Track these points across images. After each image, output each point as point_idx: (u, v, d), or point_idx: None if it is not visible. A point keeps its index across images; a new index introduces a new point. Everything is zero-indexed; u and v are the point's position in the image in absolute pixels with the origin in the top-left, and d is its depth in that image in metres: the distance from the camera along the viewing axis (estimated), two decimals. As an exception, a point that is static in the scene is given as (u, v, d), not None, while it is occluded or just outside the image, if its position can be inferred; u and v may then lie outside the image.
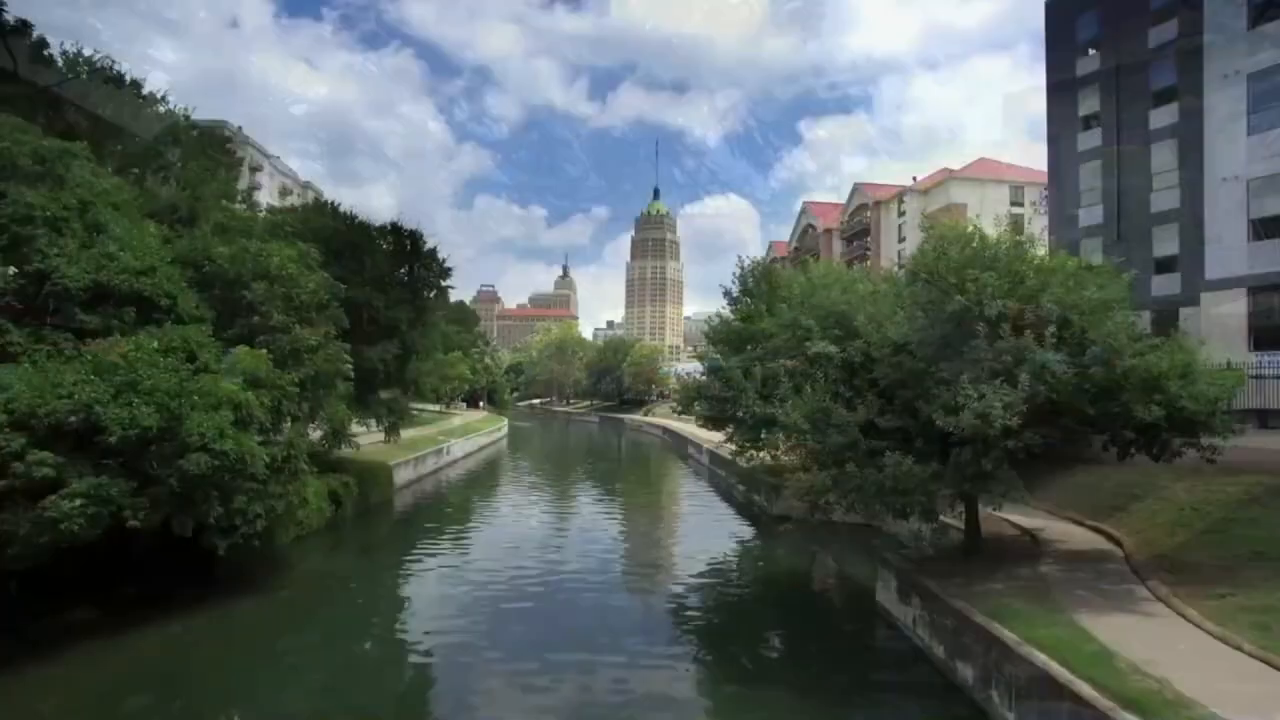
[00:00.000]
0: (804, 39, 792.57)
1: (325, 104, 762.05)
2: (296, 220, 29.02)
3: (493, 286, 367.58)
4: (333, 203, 31.76)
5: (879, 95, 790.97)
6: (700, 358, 35.25)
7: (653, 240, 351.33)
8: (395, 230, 31.76)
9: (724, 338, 33.46)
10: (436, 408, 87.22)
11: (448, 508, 37.39)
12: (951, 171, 72.36)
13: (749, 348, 32.30)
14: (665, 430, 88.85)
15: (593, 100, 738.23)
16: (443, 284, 32.65)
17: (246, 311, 20.37)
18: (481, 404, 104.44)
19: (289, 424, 20.46)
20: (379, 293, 29.58)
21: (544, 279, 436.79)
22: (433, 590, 21.83)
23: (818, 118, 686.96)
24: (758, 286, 32.70)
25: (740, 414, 31.46)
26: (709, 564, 25.76)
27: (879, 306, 16.69)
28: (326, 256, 28.23)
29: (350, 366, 21.14)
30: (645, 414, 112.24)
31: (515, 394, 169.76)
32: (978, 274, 13.91)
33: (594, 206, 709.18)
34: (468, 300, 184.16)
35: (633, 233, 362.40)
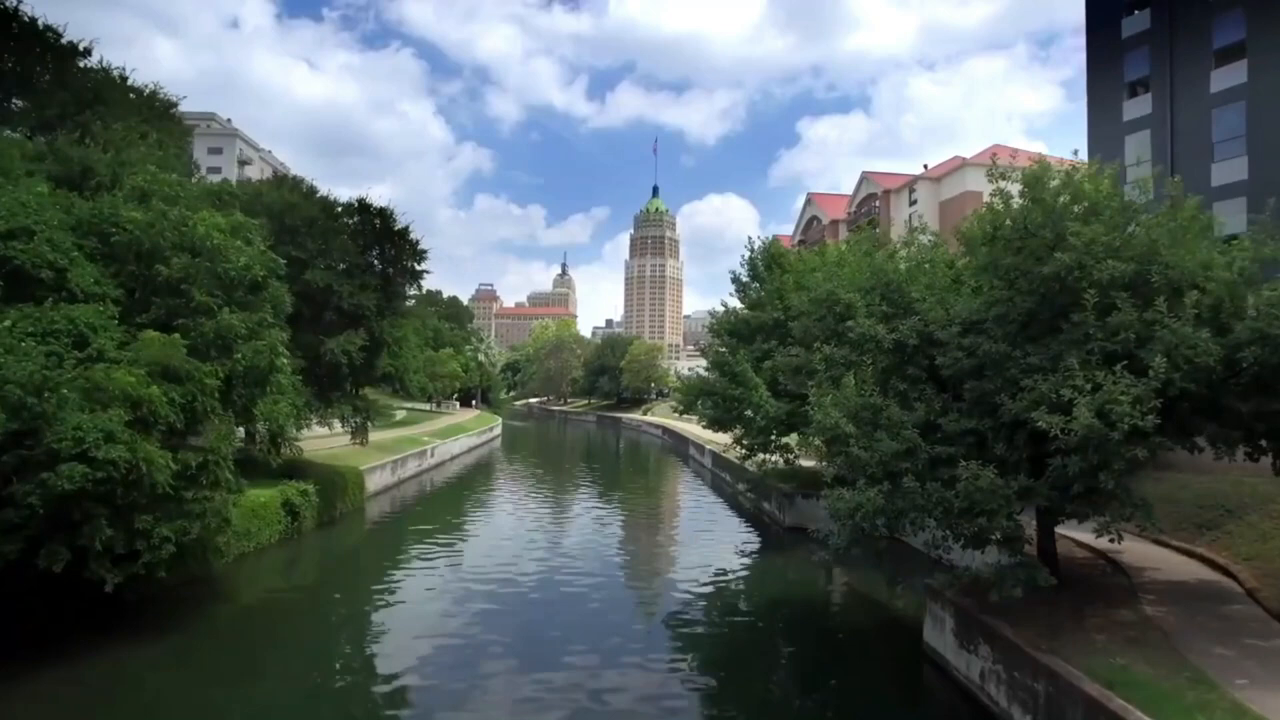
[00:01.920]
0: (802, 39, 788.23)
1: (326, 104, 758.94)
2: (247, 192, 25.66)
3: (491, 285, 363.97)
4: (293, 176, 28.30)
5: (877, 95, 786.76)
6: (704, 352, 31.82)
7: (652, 238, 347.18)
8: (363, 208, 28.34)
9: (731, 329, 30.05)
10: (427, 407, 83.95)
11: (427, 517, 33.96)
12: (965, 159, 68.93)
13: (758, 339, 28.97)
14: (665, 430, 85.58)
15: (591, 100, 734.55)
16: (417, 267, 29.22)
17: (166, 291, 17.00)
18: (474, 403, 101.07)
19: (225, 425, 17.05)
20: (343, 277, 26.18)
21: (543, 278, 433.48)
22: (401, 620, 18.57)
23: (817, 117, 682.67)
24: (769, 270, 29.29)
25: (749, 413, 28.14)
26: (713, 582, 22.44)
27: (934, 277, 13.31)
28: (280, 234, 24.89)
29: (285, 360, 17.73)
30: (644, 413, 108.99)
31: (512, 393, 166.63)
32: (1079, 227, 10.50)
33: (593, 206, 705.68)
34: (466, 299, 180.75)
35: (631, 231, 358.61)
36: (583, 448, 79.87)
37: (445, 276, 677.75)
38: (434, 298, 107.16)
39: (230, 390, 17.29)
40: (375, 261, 28.63)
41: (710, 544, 27.75)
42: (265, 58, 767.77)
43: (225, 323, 16.30)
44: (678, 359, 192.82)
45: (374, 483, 35.40)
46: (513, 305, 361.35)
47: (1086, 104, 32.96)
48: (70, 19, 23.48)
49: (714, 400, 29.35)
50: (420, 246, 29.05)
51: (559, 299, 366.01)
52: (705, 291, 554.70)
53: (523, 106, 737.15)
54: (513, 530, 29.72)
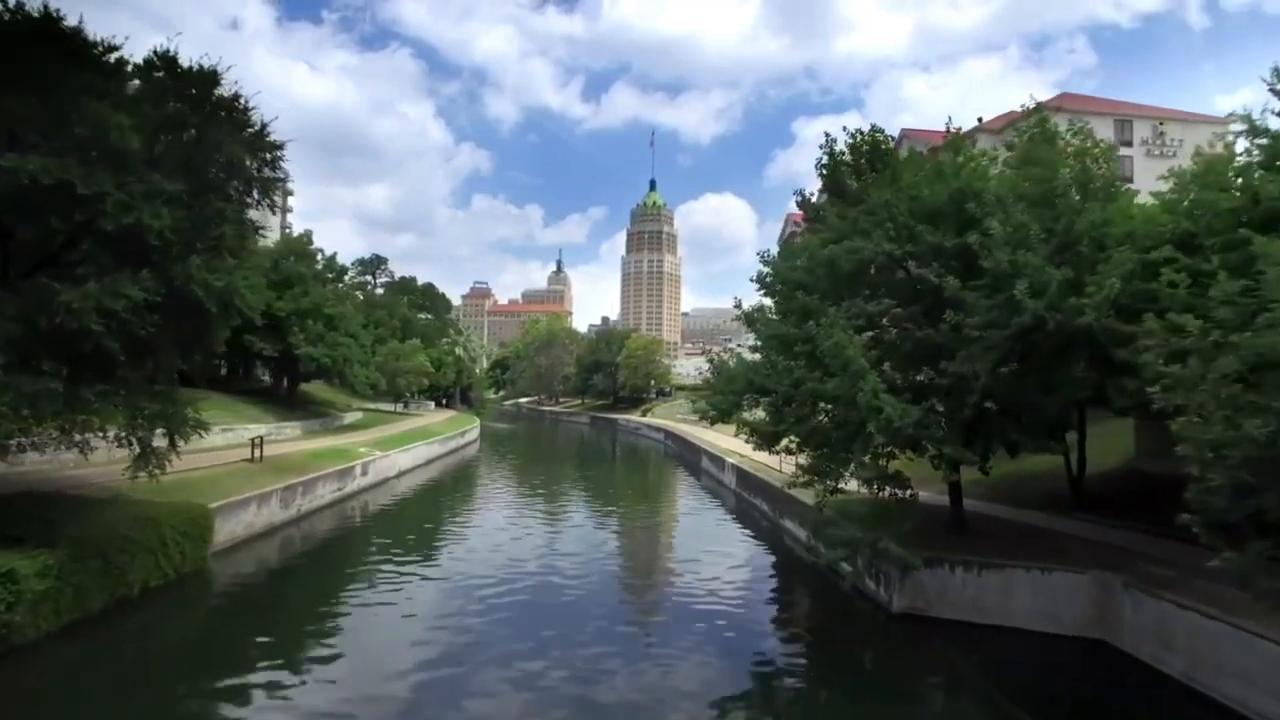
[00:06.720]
0: (797, 41, 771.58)
1: (326, 104, 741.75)
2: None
3: (486, 283, 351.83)
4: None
5: (872, 97, 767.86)
6: (748, 319, 19.74)
7: (649, 233, 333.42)
8: (167, 63, 16.25)
9: (802, 279, 17.87)
10: (393, 408, 71.90)
11: (319, 579, 21.95)
12: (1028, 109, 57.29)
13: (845, 297, 16.94)
14: (667, 434, 73.85)
15: (587, 101, 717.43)
16: (271, 174, 17.17)
17: None
18: (444, 402, 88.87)
19: None
20: (106, 174, 14.09)
21: (539, 278, 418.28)
22: None
23: (812, 117, 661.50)
24: (875, 175, 17.18)
25: (823, 419, 16.31)
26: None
27: None
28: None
29: None
30: (643, 414, 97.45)
31: (501, 392, 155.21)
32: None
33: (590, 206, 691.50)
34: (461, 298, 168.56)
35: (628, 226, 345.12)
36: (573, 455, 67.79)
37: (444, 276, 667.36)
38: (407, 284, 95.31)
39: None
40: (191, 156, 16.43)
41: (764, 638, 15.73)
42: (265, 59, 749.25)
43: None
44: (676, 358, 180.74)
45: (240, 524, 23.26)
46: (506, 302, 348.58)
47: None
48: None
49: (772, 401, 17.37)
50: (271, 137, 16.95)
51: (554, 296, 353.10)
52: (703, 291, 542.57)
53: (520, 108, 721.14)
54: (449, 595, 17.90)
